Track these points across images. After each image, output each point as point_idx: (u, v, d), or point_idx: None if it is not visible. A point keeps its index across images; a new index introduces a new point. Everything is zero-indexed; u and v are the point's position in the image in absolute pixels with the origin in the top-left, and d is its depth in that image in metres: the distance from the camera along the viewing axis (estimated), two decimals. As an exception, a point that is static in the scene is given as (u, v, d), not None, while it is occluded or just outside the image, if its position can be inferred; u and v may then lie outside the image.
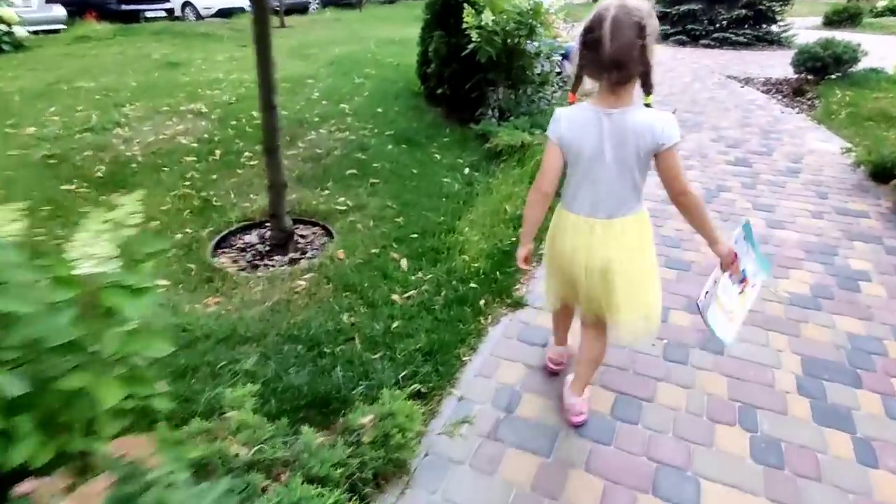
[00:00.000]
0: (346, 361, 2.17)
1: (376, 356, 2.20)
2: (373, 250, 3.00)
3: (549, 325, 2.45)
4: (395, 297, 2.59)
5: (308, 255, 3.08)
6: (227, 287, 2.71)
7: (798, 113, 6.03)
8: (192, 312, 2.50)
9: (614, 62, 1.40)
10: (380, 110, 5.54)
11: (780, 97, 6.76)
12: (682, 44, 11.48)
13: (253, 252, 3.09)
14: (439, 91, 5.36)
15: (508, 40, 4.71)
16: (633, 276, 1.65)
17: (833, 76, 7.02)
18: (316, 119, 5.20)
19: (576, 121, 1.54)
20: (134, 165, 4.04)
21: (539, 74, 5.21)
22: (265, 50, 2.76)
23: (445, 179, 3.95)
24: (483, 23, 4.52)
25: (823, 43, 7.02)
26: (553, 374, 2.19)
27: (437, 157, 4.42)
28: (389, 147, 4.56)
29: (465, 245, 3.06)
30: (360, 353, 2.22)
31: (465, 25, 4.62)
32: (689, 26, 11.55)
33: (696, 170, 4.38)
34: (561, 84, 5.31)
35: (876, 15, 15.59)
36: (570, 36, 5.86)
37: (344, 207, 3.51)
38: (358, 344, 2.28)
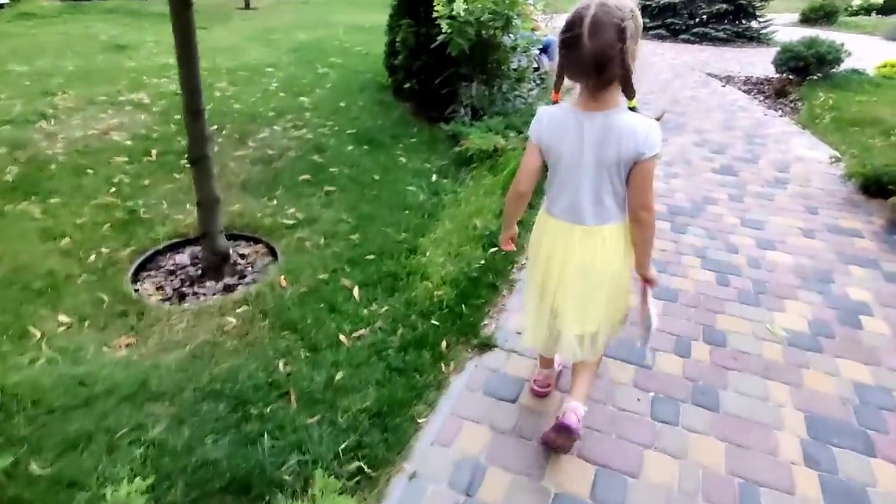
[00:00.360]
0: (277, 427, 1.80)
1: (313, 419, 1.84)
2: (321, 275, 2.62)
3: (521, 372, 2.12)
4: (342, 337, 2.23)
5: (246, 279, 2.67)
6: (143, 324, 2.29)
7: (781, 116, 5.82)
8: (97, 359, 2.09)
9: (593, 64, 1.33)
10: (342, 105, 5.10)
11: (762, 98, 6.55)
12: (661, 38, 11.24)
13: (182, 276, 2.67)
14: (407, 86, 4.95)
15: (482, 32, 4.33)
16: (612, 284, 1.60)
17: (815, 76, 6.84)
18: (271, 114, 4.74)
19: (557, 122, 1.50)
20: (53, 167, 3.54)
21: (516, 70, 4.84)
22: (188, 43, 2.31)
23: (410, 188, 3.57)
24: (455, 12, 4.12)
25: (807, 42, 6.82)
26: (539, 395, 1.97)
27: (403, 160, 4.03)
28: (350, 148, 4.14)
29: (427, 269, 2.70)
30: (294, 415, 1.85)
31: (435, 14, 4.22)
32: (670, 20, 11.32)
33: (681, 178, 4.10)
34: (538, 81, 4.95)
35: (851, 14, 15.65)
36: (549, 28, 5.51)
37: (293, 221, 3.10)
38: (293, 402, 1.91)
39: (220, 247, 2.64)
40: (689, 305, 2.58)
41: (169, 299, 2.49)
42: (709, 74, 7.86)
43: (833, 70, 6.89)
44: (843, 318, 2.51)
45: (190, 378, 1.99)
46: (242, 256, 2.85)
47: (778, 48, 6.99)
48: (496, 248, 2.94)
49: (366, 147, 4.19)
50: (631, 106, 1.41)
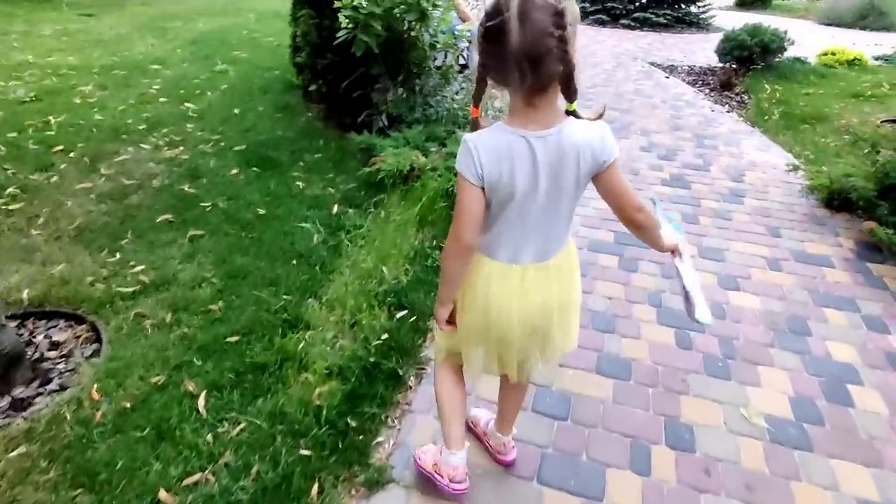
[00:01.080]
0: None
1: None
2: (156, 377, 1.90)
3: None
4: (164, 494, 1.53)
5: (52, 385, 1.92)
6: None
7: (729, 112, 5.44)
8: None
9: (525, 59, 1.05)
10: (236, 112, 4.29)
11: (707, 91, 6.18)
12: (601, 23, 10.82)
13: (-47, 387, 1.88)
14: (312, 88, 4.20)
15: (394, 25, 3.63)
16: (570, 313, 1.43)
17: (759, 66, 6.54)
18: (142, 126, 3.88)
19: (500, 153, 1.18)
20: None
21: (439, 68, 4.17)
22: None
23: (304, 224, 2.86)
24: (357, 2, 3.40)
25: (749, 29, 6.50)
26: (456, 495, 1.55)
27: (300, 185, 3.30)
28: (234, 172, 3.37)
29: (310, 352, 2.04)
30: None
31: (336, 4, 3.49)
32: (609, 4, 10.90)
33: (628, 194, 3.58)
34: (465, 82, 4.30)
35: (783, -4, 15.83)
36: (476, 16, 4.85)
37: (135, 287, 2.34)
38: None
39: (4, 342, 1.86)
40: (646, 384, 2.04)
41: (-82, 433, 1.71)
42: (652, 64, 7.46)
43: (777, 59, 6.62)
44: (830, 392, 2.04)
45: None
46: (55, 346, 2.08)
47: (717, 34, 6.67)
48: (406, 311, 2.31)
49: (255, 169, 3.43)
50: (570, 111, 1.15)
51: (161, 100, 4.42)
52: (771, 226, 3.26)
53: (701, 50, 8.25)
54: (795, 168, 3.85)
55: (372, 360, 2.02)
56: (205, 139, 3.75)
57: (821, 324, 2.42)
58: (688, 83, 6.51)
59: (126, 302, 2.25)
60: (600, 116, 1.21)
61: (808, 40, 8.74)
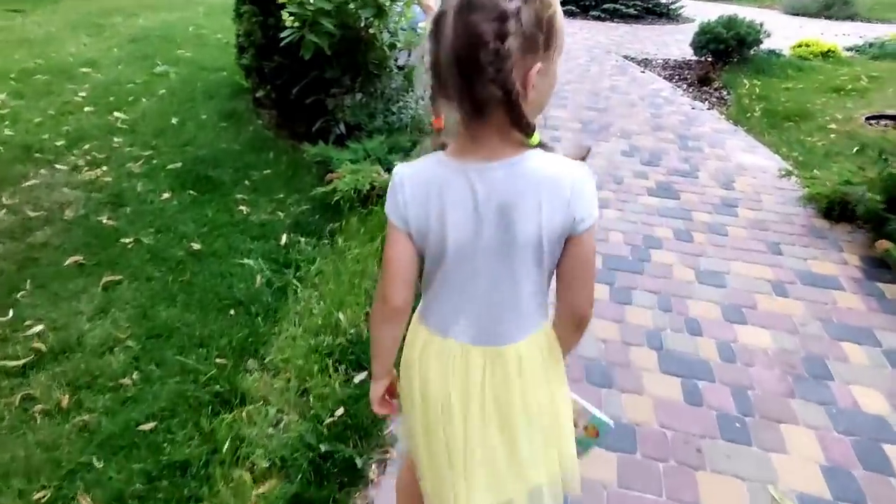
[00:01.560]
0: None
1: None
2: (40, 493, 1.46)
3: None
4: None
5: None
6: None
7: (710, 109, 5.18)
8: None
9: (456, 71, 0.79)
10: (174, 122, 3.79)
11: (685, 86, 5.91)
12: (572, 15, 10.50)
13: None
14: (260, 94, 3.74)
15: (348, 22, 3.20)
16: (542, 421, 0.99)
17: (735, 59, 6.31)
18: (60, 142, 3.35)
19: (429, 189, 0.89)
20: None
21: (401, 69, 3.76)
22: None
23: (245, 261, 2.43)
24: (304, -2, 2.96)
25: (725, 21, 6.26)
26: None
27: (243, 210, 2.86)
28: (165, 196, 2.90)
29: (245, 438, 1.63)
30: None
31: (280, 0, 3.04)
32: (578, -6, 10.61)
33: (614, 206, 3.25)
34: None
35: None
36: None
37: (26, 358, 1.88)
38: None
39: None
40: (655, 457, 1.71)
41: None
42: (626, 58, 7.17)
43: (752, 52, 6.41)
44: (866, 457, 1.74)
45: None
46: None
47: (688, 25, 6.43)
48: (365, 372, 1.92)
49: (191, 192, 2.96)
50: (533, 144, 0.85)
51: (86, 109, 3.88)
52: (770, 241, 2.97)
53: (674, 42, 8.01)
54: (788, 173, 3.60)
55: (324, 447, 1.62)
56: (134, 156, 3.26)
57: (841, 364, 2.13)
58: (664, 78, 6.23)
59: (12, 381, 1.79)
60: (583, 158, 0.90)
61: (776, 31, 8.59)
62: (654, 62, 6.97)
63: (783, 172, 3.55)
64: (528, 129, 0.82)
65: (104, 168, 3.10)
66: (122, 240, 2.51)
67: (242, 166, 3.29)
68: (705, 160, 4.01)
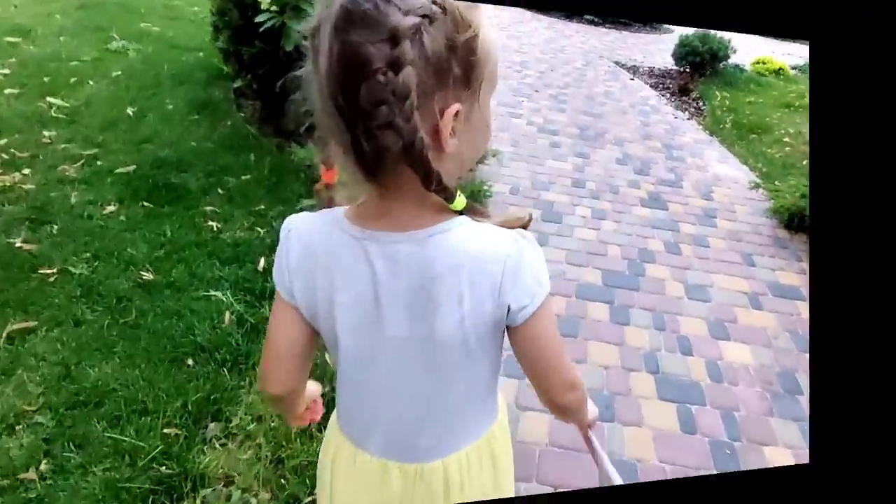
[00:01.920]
0: None
1: None
2: None
3: None
4: None
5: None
6: None
7: (689, 119, 4.69)
8: None
9: (336, 113, 0.44)
10: (131, 112, 2.60)
11: (668, 95, 5.36)
12: (568, 17, 9.51)
13: None
14: (237, 85, 2.81)
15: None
16: None
17: (707, 72, 5.70)
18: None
19: (315, 255, 0.54)
20: None
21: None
22: None
23: (213, 293, 1.65)
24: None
25: (700, 36, 5.62)
26: None
27: (214, 226, 1.99)
28: (109, 209, 1.97)
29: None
30: None
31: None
32: None
33: (611, 217, 2.93)
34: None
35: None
36: None
37: None
38: None
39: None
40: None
41: None
42: (617, 64, 6.49)
43: (722, 65, 5.78)
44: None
45: None
46: None
47: (668, 35, 5.77)
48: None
49: (145, 204, 2.01)
50: (458, 210, 0.50)
51: (8, 91, 2.56)
52: (744, 252, 2.69)
53: (658, 51, 7.24)
54: (756, 185, 3.25)
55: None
56: (70, 156, 2.19)
57: (808, 377, 1.92)
58: (650, 86, 5.65)
59: None
60: (525, 226, 0.54)
61: (741, 47, 7.77)
62: (641, 69, 6.31)
63: (752, 185, 3.21)
64: (443, 193, 0.48)
65: (26, 171, 2.07)
66: (42, 270, 1.66)
67: (216, 170, 2.32)
68: (688, 170, 3.63)
